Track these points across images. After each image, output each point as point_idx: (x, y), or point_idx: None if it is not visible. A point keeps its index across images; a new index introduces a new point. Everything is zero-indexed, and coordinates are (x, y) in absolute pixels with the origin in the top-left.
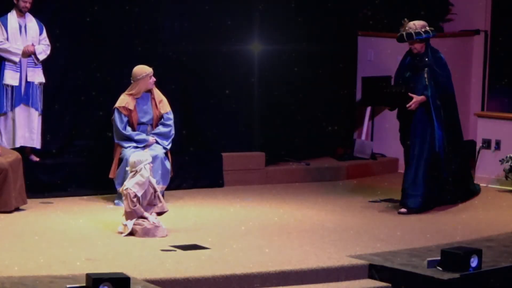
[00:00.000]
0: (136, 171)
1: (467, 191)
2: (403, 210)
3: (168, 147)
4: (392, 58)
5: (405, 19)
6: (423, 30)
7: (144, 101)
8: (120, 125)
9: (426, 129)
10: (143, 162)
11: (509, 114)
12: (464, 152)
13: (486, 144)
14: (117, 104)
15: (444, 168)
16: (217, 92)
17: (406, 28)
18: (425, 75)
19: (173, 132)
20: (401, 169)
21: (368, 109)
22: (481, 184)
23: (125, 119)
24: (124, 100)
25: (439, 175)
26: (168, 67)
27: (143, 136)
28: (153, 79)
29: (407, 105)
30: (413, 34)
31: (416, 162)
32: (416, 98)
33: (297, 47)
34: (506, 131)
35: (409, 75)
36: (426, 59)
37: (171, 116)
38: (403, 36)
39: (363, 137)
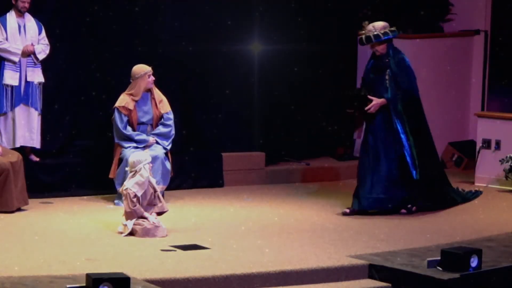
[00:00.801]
0: (136, 171)
1: (446, 197)
2: (347, 210)
3: (168, 147)
4: None
5: (366, 21)
6: (382, 32)
7: (144, 101)
8: (120, 125)
9: (388, 132)
10: (143, 162)
11: (509, 114)
12: (436, 156)
13: (486, 144)
14: (117, 104)
15: (410, 171)
16: (217, 92)
17: (366, 31)
18: (386, 77)
19: (173, 132)
20: None
21: None
22: (481, 184)
23: (125, 119)
24: (124, 100)
25: (403, 179)
26: (168, 67)
27: (143, 136)
28: (152, 78)
29: (366, 108)
30: (372, 37)
31: (377, 165)
32: (376, 101)
33: (297, 47)
34: (506, 131)
35: (372, 77)
36: (387, 60)
37: (171, 116)
38: (363, 39)
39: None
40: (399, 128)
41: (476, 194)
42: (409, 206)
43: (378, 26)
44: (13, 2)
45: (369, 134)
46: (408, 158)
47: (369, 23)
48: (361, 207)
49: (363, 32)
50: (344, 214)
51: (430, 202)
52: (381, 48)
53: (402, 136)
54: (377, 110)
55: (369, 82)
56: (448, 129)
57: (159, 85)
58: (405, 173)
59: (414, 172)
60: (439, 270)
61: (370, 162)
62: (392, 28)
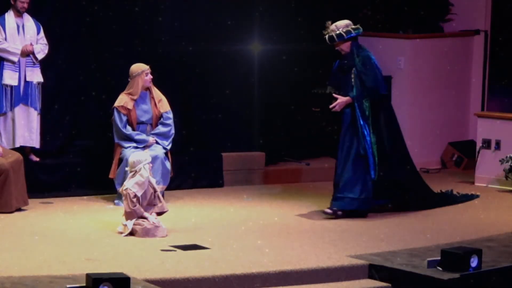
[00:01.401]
0: (136, 171)
1: (426, 198)
2: (328, 210)
3: (168, 147)
4: (392, 58)
5: (329, 21)
6: (344, 30)
7: (143, 100)
8: (120, 124)
9: (354, 131)
10: (143, 162)
11: (509, 114)
12: (406, 155)
13: (486, 144)
14: (116, 104)
15: (376, 171)
16: (217, 92)
17: (329, 30)
18: (352, 76)
19: (173, 131)
20: None
21: None
22: (481, 184)
23: (124, 118)
24: (123, 100)
25: (368, 179)
26: (168, 67)
27: (143, 136)
28: (150, 76)
29: (330, 106)
30: (335, 36)
31: (345, 165)
32: (341, 99)
33: (297, 47)
34: (506, 131)
35: (339, 76)
36: (352, 59)
37: (171, 115)
38: (326, 39)
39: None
40: (362, 126)
41: (472, 197)
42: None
43: (340, 25)
44: (12, 2)
45: (339, 133)
46: (369, 157)
47: (332, 22)
48: (339, 207)
49: (327, 32)
50: (326, 213)
51: (398, 201)
52: (345, 47)
53: (366, 134)
54: (346, 109)
55: (336, 81)
56: (448, 129)
57: (159, 85)
58: (367, 173)
59: (372, 172)
60: (439, 270)
61: (341, 162)
62: (355, 26)
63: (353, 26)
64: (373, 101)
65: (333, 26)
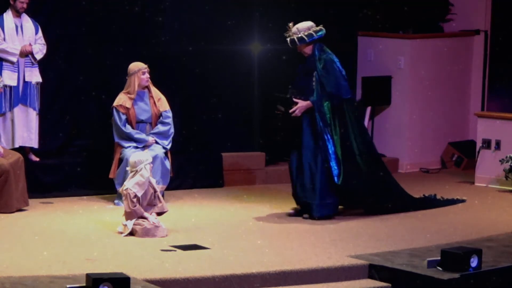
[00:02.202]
0: (136, 171)
1: (401, 201)
2: (306, 215)
3: (168, 146)
4: (392, 58)
5: (290, 23)
6: (306, 33)
7: (142, 99)
8: (119, 123)
9: (315, 134)
10: (144, 162)
11: (509, 114)
12: (375, 158)
13: (486, 144)
14: (115, 103)
15: (341, 177)
16: (217, 92)
17: (291, 33)
18: (313, 80)
19: (172, 130)
20: (401, 169)
21: (368, 109)
22: (481, 184)
23: (124, 117)
24: (121, 99)
25: (332, 183)
26: (168, 67)
27: (142, 135)
28: (147, 76)
29: (290, 111)
30: (296, 40)
31: (309, 170)
32: (301, 104)
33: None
34: (506, 131)
35: (302, 80)
36: (313, 62)
37: (170, 114)
38: (288, 42)
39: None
40: (323, 131)
41: (456, 201)
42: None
43: (302, 27)
44: (11, 2)
45: (297, 137)
46: (331, 163)
47: (294, 24)
48: (322, 214)
49: (288, 34)
50: (290, 215)
51: (368, 206)
52: (307, 50)
53: (326, 139)
54: (306, 113)
55: (300, 84)
56: (448, 129)
57: (159, 85)
58: (332, 178)
59: (336, 178)
60: (439, 270)
61: (307, 168)
62: (317, 28)
63: (315, 29)
64: (335, 105)
65: (294, 29)
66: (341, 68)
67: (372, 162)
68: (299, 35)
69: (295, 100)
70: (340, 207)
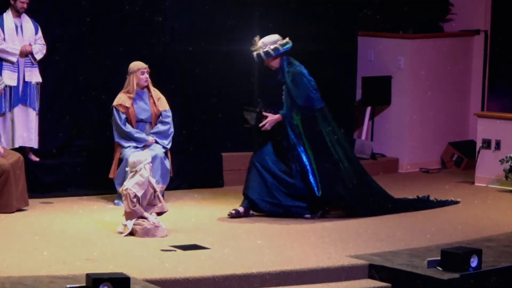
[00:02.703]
0: (136, 171)
1: (385, 203)
2: (308, 215)
3: (168, 146)
4: (392, 58)
5: (256, 37)
6: (272, 47)
7: (141, 99)
8: (119, 122)
9: (288, 148)
10: (143, 162)
11: (509, 114)
12: (357, 163)
13: (486, 144)
14: (114, 103)
15: (319, 188)
16: (217, 92)
17: (257, 47)
18: (283, 93)
19: (172, 130)
20: (401, 169)
21: (368, 109)
22: (481, 184)
23: (123, 116)
24: (121, 98)
25: (310, 194)
26: (168, 67)
27: (142, 135)
28: (146, 76)
29: (260, 125)
30: (262, 54)
31: (291, 184)
32: (271, 117)
33: (297, 47)
34: (506, 131)
35: (272, 93)
36: (282, 75)
37: (170, 114)
38: (255, 57)
39: (363, 137)
40: (296, 143)
41: (450, 203)
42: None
43: (267, 41)
44: (12, 2)
45: (265, 147)
46: (309, 177)
47: (260, 38)
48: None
49: (254, 49)
50: (231, 216)
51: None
52: (275, 64)
53: (299, 151)
54: (277, 127)
55: (269, 97)
56: (448, 129)
57: (159, 85)
58: (308, 190)
59: (315, 189)
60: (439, 270)
61: (263, 175)
62: (284, 41)
63: (282, 42)
64: (307, 117)
65: (260, 43)
66: (310, 79)
67: (352, 169)
68: (265, 49)
69: (265, 114)
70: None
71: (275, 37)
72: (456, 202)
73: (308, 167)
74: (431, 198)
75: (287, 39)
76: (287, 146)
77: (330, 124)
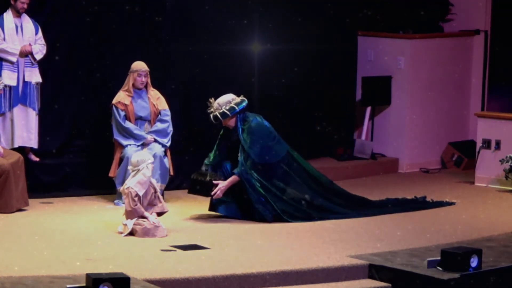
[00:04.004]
0: (138, 170)
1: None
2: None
3: (168, 144)
4: (392, 58)
5: (211, 99)
6: (227, 108)
7: (140, 97)
8: (118, 118)
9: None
10: (146, 161)
11: (509, 114)
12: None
13: (486, 144)
14: (114, 101)
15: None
16: (217, 92)
17: (213, 109)
18: (239, 151)
19: (171, 128)
20: (401, 169)
21: (368, 109)
22: (481, 184)
23: (122, 113)
24: (120, 96)
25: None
26: (168, 67)
27: (141, 132)
28: (143, 79)
29: (212, 193)
30: (219, 115)
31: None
32: (222, 185)
33: (297, 47)
34: (506, 131)
35: (229, 151)
36: (237, 133)
37: (169, 113)
38: (211, 119)
39: (363, 137)
40: (258, 197)
41: (445, 204)
42: None
43: (222, 102)
44: (12, 2)
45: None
46: (284, 216)
47: (215, 99)
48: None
49: (211, 110)
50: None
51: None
52: (231, 122)
53: (264, 202)
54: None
55: (225, 151)
56: (448, 129)
57: (159, 85)
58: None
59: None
60: (439, 270)
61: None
62: (239, 100)
63: (237, 101)
64: (264, 171)
65: (215, 105)
66: (266, 131)
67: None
68: (221, 110)
69: (215, 183)
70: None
71: (229, 97)
72: (452, 203)
73: (279, 211)
74: (428, 199)
75: (241, 97)
76: (248, 199)
77: (293, 166)
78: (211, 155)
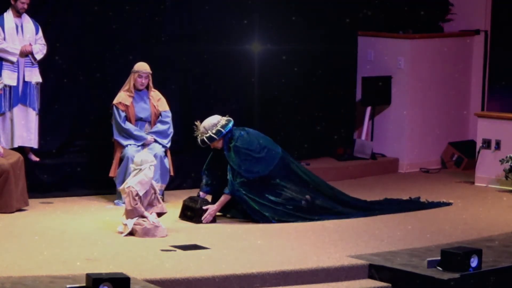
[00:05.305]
0: (140, 170)
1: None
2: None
3: (168, 145)
4: (392, 58)
5: (197, 122)
6: (214, 131)
7: (141, 98)
8: (119, 119)
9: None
10: (149, 162)
11: (509, 114)
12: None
13: (486, 144)
14: (114, 101)
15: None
16: (217, 92)
17: (199, 133)
18: (227, 171)
19: (171, 130)
20: (401, 169)
21: (368, 109)
22: (481, 184)
23: (123, 114)
24: (121, 96)
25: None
26: (168, 67)
27: (141, 133)
28: (144, 81)
29: (202, 219)
30: (206, 139)
31: None
32: (211, 209)
33: (297, 47)
34: (506, 131)
35: (218, 172)
36: (225, 154)
37: (169, 114)
38: (199, 142)
39: (363, 137)
40: (253, 212)
41: (441, 204)
42: None
43: (208, 125)
44: (12, 2)
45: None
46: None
47: (201, 122)
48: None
49: (197, 134)
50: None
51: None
52: (219, 144)
53: (260, 217)
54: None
55: (214, 170)
56: (448, 129)
57: (159, 85)
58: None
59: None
60: (439, 270)
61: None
62: (224, 122)
63: (223, 123)
64: (256, 188)
65: (202, 128)
66: (252, 145)
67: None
68: (208, 134)
69: (204, 208)
70: None
71: (214, 119)
72: (448, 204)
73: (275, 220)
74: (423, 199)
75: (227, 118)
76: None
77: (285, 175)
78: (204, 182)
